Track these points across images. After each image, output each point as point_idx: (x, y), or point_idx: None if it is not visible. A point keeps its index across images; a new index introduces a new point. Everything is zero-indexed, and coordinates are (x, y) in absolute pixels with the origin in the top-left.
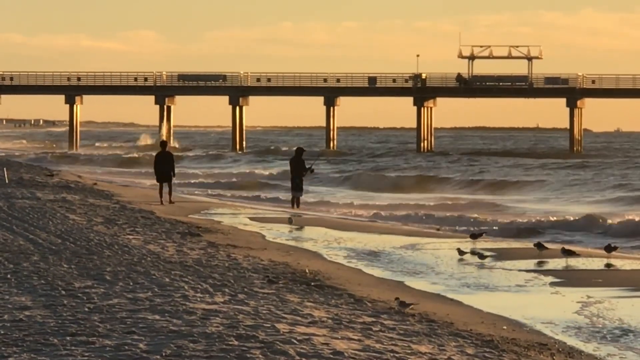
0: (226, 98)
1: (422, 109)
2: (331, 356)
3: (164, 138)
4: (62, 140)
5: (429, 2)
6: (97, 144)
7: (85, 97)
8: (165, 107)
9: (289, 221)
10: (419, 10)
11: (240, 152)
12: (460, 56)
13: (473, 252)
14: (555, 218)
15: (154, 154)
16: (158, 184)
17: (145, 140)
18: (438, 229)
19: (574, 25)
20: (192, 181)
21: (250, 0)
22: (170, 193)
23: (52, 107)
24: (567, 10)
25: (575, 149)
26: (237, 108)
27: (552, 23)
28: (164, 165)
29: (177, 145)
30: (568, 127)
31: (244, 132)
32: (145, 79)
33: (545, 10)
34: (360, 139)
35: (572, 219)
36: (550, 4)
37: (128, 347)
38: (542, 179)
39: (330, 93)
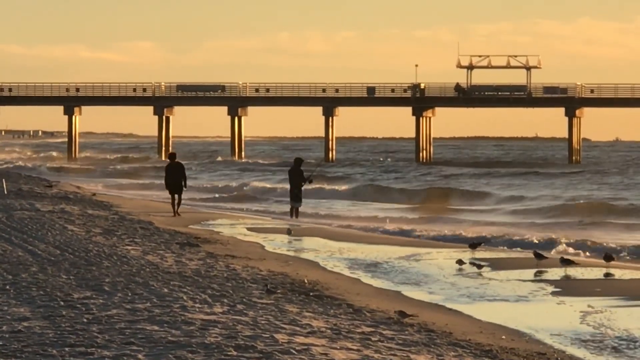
0: (225, 108)
1: (421, 118)
2: None
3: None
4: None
5: (427, 12)
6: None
7: (84, 107)
8: (164, 117)
9: (288, 232)
10: (417, 20)
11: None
12: (459, 66)
13: (472, 263)
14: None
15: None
16: (170, 195)
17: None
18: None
19: (571, 34)
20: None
21: (247, 11)
22: (178, 204)
23: (51, 118)
24: (564, 19)
25: (574, 158)
26: (236, 118)
27: (550, 32)
28: (175, 176)
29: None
30: (567, 136)
31: (243, 142)
32: (144, 90)
33: (542, 19)
34: (353, 148)
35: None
36: (547, 13)
37: (127, 358)
38: (487, 190)
39: (329, 103)
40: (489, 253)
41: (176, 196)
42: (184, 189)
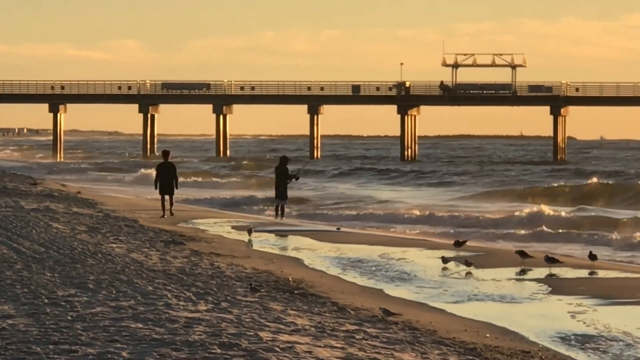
0: (210, 107)
1: (406, 117)
2: None
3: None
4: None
5: (410, 11)
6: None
7: (69, 105)
8: (149, 115)
9: (249, 231)
10: (401, 19)
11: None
12: (444, 64)
13: (457, 260)
14: None
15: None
16: (160, 196)
17: None
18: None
19: (556, 33)
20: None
21: (232, 10)
22: (171, 204)
23: (36, 115)
24: (549, 18)
25: (559, 157)
26: (221, 117)
27: (535, 31)
28: (166, 176)
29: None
30: (552, 135)
31: (228, 140)
32: (129, 88)
33: (526, 19)
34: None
35: None
36: (531, 12)
37: (111, 356)
38: None
39: (314, 101)
40: (473, 251)
41: (167, 197)
42: (176, 189)
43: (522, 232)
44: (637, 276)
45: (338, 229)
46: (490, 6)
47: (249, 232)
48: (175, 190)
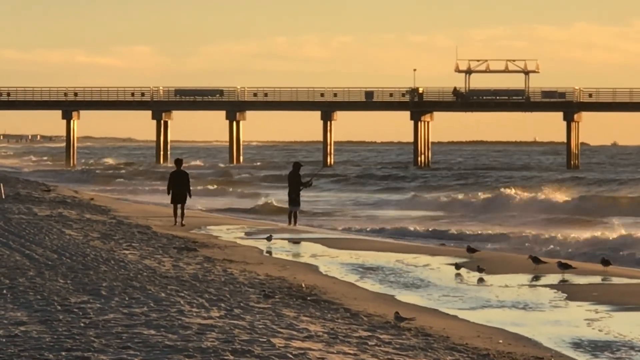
0: (223, 113)
1: (419, 123)
2: None
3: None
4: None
5: (423, 16)
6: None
7: (82, 112)
8: (162, 122)
9: (268, 239)
10: (413, 25)
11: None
12: (457, 70)
13: (470, 266)
14: None
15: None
16: (172, 204)
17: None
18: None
19: (568, 38)
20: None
21: (245, 16)
22: (182, 215)
23: (50, 122)
24: (561, 24)
25: (572, 163)
26: (234, 123)
27: (547, 37)
28: (178, 185)
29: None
30: (565, 141)
31: (241, 147)
32: (142, 94)
33: (539, 24)
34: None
35: None
36: (543, 18)
37: None
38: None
39: (327, 107)
40: (486, 257)
41: (179, 206)
42: (189, 198)
43: None
44: None
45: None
46: (503, 12)
47: (268, 239)
48: (188, 199)
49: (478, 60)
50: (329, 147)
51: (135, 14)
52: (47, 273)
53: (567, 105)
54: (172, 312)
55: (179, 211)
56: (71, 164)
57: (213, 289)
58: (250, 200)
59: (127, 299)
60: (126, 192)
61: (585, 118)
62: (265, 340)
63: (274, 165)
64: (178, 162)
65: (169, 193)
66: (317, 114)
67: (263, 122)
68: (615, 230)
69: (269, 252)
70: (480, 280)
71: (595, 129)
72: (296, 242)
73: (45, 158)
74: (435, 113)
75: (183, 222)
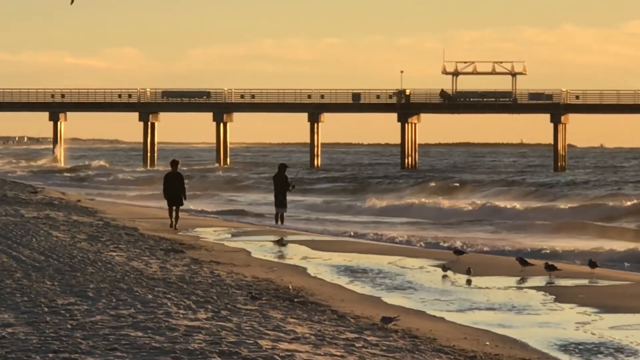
0: (210, 115)
1: (406, 125)
2: None
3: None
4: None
5: (410, 19)
6: None
7: (69, 114)
8: (149, 123)
9: (279, 242)
10: (400, 27)
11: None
12: (444, 72)
13: (457, 268)
14: None
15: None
16: (168, 207)
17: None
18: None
19: (555, 41)
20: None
21: (232, 18)
22: (177, 218)
23: (37, 124)
24: (548, 26)
25: (559, 164)
26: (221, 125)
27: (534, 39)
28: (174, 187)
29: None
30: (552, 142)
31: (228, 148)
32: (129, 96)
33: (526, 26)
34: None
35: None
36: (530, 20)
37: None
38: None
39: (315, 109)
40: (473, 259)
41: (174, 208)
42: (184, 200)
43: None
44: (638, 283)
45: None
46: (490, 14)
47: (280, 243)
48: (184, 202)
49: (465, 62)
50: (316, 149)
51: (123, 16)
52: (34, 275)
53: (554, 107)
54: (159, 314)
55: (174, 213)
56: (60, 166)
57: (200, 290)
58: (236, 203)
59: (114, 300)
60: (114, 195)
61: (572, 120)
62: (252, 342)
63: (261, 165)
64: (174, 163)
65: (165, 195)
66: (305, 115)
67: (250, 124)
68: None
69: (282, 253)
70: (468, 282)
71: (582, 131)
72: (283, 244)
73: (32, 162)
74: (422, 115)
75: (177, 225)
